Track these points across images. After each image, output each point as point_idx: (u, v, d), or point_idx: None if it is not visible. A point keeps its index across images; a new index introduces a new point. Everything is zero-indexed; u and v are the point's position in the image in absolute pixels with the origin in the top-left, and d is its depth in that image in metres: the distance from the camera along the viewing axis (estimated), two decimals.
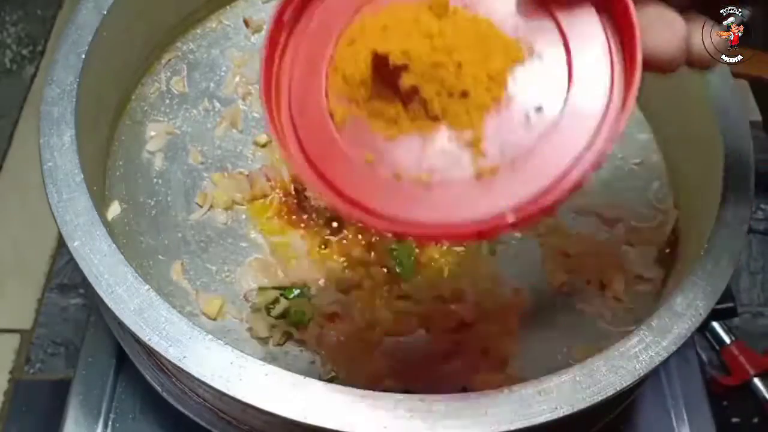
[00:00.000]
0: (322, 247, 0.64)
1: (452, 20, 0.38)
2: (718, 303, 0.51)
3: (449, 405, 0.45)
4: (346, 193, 0.38)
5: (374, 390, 0.55)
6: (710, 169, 0.59)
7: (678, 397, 0.70)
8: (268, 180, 0.66)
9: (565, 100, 0.37)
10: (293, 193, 0.66)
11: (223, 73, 0.72)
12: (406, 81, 0.37)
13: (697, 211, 0.62)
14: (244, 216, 0.66)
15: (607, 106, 0.37)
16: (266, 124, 0.39)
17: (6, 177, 1.08)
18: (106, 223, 0.53)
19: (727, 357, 0.93)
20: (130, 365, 0.62)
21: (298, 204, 0.66)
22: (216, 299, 0.59)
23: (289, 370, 0.46)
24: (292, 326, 0.58)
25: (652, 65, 0.35)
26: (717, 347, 0.94)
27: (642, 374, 0.47)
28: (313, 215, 0.65)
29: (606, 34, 0.37)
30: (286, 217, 0.65)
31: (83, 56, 0.58)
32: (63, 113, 0.55)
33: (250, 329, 0.59)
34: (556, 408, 0.45)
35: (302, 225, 0.65)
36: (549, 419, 0.45)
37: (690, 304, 0.51)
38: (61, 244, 1.03)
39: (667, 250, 0.64)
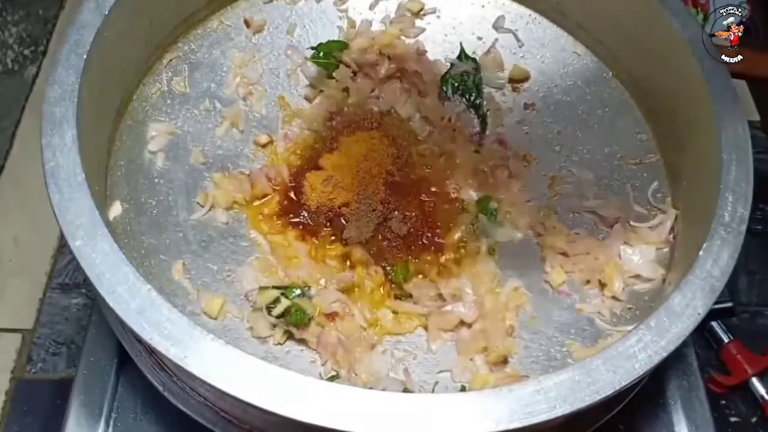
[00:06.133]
0: (324, 248, 0.65)
1: None
2: (716, 302, 0.51)
3: (449, 404, 0.45)
4: None
5: (374, 390, 0.55)
6: (709, 170, 0.59)
7: (677, 397, 0.70)
8: (269, 180, 0.66)
9: None
10: (291, 193, 0.66)
11: (224, 74, 0.73)
12: None
13: (696, 211, 0.62)
14: (244, 215, 0.66)
15: None
16: None
17: (8, 177, 1.08)
18: (108, 223, 0.53)
19: (725, 356, 0.93)
20: (132, 364, 0.62)
21: (294, 204, 0.66)
22: (217, 299, 0.60)
23: (289, 369, 0.46)
24: (293, 326, 0.58)
25: None
26: (715, 347, 0.94)
27: (641, 373, 0.48)
28: (308, 215, 0.65)
29: None
30: (284, 217, 0.66)
31: (85, 57, 0.58)
32: (65, 113, 0.55)
33: (250, 328, 0.59)
34: (555, 407, 0.45)
35: (300, 226, 0.65)
36: (548, 418, 0.45)
37: (688, 303, 0.51)
38: (63, 244, 1.03)
39: (666, 250, 0.64)
